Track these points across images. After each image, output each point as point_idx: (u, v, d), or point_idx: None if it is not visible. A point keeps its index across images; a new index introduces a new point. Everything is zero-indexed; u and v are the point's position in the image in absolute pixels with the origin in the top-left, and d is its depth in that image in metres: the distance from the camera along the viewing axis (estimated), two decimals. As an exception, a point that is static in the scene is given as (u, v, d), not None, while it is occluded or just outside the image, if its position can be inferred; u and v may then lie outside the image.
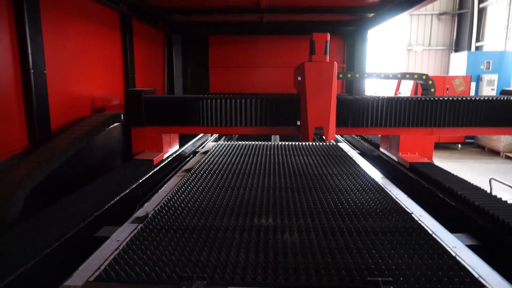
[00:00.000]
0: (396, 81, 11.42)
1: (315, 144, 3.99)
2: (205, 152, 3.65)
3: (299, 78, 2.66)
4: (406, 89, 10.97)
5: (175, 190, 2.28)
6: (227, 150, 3.63)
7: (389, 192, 2.32)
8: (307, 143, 4.00)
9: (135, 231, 1.65)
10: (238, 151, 3.61)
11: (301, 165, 3.01)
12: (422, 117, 2.92)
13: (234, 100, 2.91)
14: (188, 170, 2.90)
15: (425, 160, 3.02)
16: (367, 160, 3.42)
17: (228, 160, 3.20)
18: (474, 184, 2.23)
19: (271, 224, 1.76)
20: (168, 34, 4.91)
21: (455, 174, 2.54)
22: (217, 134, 5.28)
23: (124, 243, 1.54)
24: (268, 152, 3.55)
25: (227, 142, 4.14)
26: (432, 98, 2.86)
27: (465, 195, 2.03)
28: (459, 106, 2.84)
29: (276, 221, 1.80)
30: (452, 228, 1.81)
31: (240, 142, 4.07)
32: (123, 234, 1.63)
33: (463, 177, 2.41)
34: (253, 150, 3.64)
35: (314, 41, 2.51)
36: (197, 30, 5.18)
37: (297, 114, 2.77)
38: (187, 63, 5.31)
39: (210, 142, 4.43)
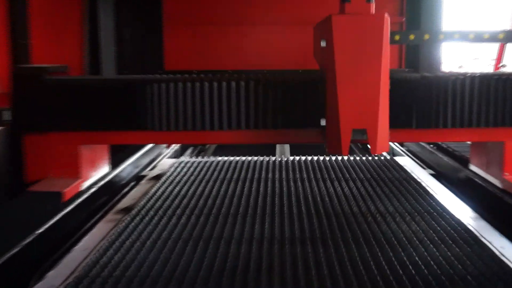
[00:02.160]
0: (497, 45, 11.56)
1: (355, 159, 4.00)
2: (158, 177, 3.66)
3: (323, 44, 2.68)
4: (514, 60, 11.10)
5: (99, 252, 2.27)
6: (197, 174, 3.64)
7: (488, 244, 2.34)
8: (339, 158, 4.00)
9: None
10: (217, 174, 3.61)
11: (330, 198, 3.01)
12: None
13: (209, 84, 2.92)
14: (126, 211, 2.90)
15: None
16: (446, 187, 3.42)
17: (199, 191, 3.20)
18: None
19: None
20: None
21: None
22: (179, 145, 5.29)
23: None
24: (270, 176, 3.55)
25: (198, 158, 4.15)
26: None
27: None
28: None
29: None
30: None
31: (220, 159, 4.09)
32: None
33: None
34: (244, 172, 3.65)
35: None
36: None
37: (320, 107, 2.78)
38: (124, 21, 5.33)
39: (166, 159, 4.44)
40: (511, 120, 2.95)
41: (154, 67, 5.46)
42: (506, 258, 2.20)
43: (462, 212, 2.82)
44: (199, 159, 4.10)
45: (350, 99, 2.56)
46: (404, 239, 2.37)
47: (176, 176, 3.57)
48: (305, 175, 3.55)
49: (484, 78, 2.91)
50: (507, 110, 2.94)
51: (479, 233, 2.48)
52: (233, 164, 3.88)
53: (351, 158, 4.03)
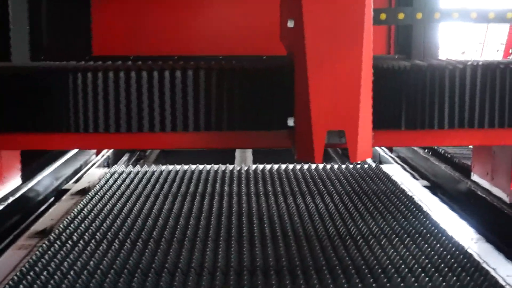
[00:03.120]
0: (506, 28, 11.80)
1: (331, 168, 4.04)
2: (84, 192, 3.64)
3: (291, 24, 2.70)
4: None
5: None
6: (134, 187, 3.63)
7: (492, 272, 2.39)
8: (312, 167, 4.03)
9: None
10: (159, 187, 3.61)
11: (301, 217, 3.04)
12: None
13: (148, 74, 2.91)
14: (43, 234, 2.88)
15: None
16: (443, 202, 3.49)
17: (136, 209, 3.19)
18: None
19: None
20: None
21: None
22: (112, 152, 5.26)
23: None
24: (227, 189, 3.56)
25: (135, 168, 4.13)
26: None
27: None
28: None
29: None
30: None
31: (164, 168, 4.08)
32: None
33: None
34: (194, 185, 3.66)
35: None
36: None
37: (288, 103, 2.81)
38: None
39: (95, 169, 4.41)
40: None
41: (80, 52, 5.41)
42: (514, 288, 2.26)
43: (462, 232, 2.88)
44: (137, 168, 4.09)
45: (325, 93, 2.58)
46: (390, 266, 2.40)
47: (108, 190, 3.55)
48: (270, 188, 3.58)
49: (489, 68, 2.97)
50: None
51: (481, 258, 2.53)
52: (180, 175, 3.89)
53: (327, 166, 4.08)
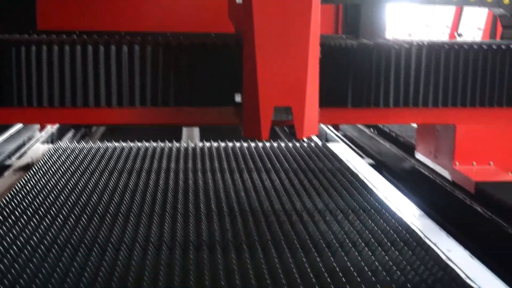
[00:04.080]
0: (452, 9, 11.96)
1: (279, 146, 4.06)
2: (27, 167, 3.59)
3: (239, 0, 2.69)
4: (472, 27, 11.53)
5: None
6: (79, 163, 3.58)
7: (433, 247, 2.44)
8: (260, 145, 4.05)
9: None
10: (105, 163, 3.58)
11: (247, 193, 3.06)
12: (502, 85, 3.08)
13: (93, 48, 2.87)
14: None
15: (509, 176, 3.19)
16: (388, 179, 3.54)
17: (81, 185, 3.16)
18: None
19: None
20: None
21: None
22: (56, 127, 5.18)
23: None
24: (174, 166, 3.55)
25: (81, 144, 4.08)
26: None
27: None
28: None
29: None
30: None
31: (110, 144, 4.04)
32: None
33: None
34: (140, 162, 3.64)
35: None
36: None
37: (235, 80, 2.81)
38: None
39: (39, 145, 4.34)
40: (464, 99, 3.06)
41: (23, 26, 5.29)
42: (453, 262, 2.30)
43: (405, 209, 2.93)
44: (82, 144, 4.04)
45: (272, 70, 2.59)
46: (334, 241, 2.43)
47: (52, 166, 3.51)
48: (217, 165, 3.58)
49: (434, 48, 3.01)
50: (459, 87, 3.06)
51: (423, 234, 2.58)
52: (126, 152, 3.85)
53: (275, 144, 4.09)
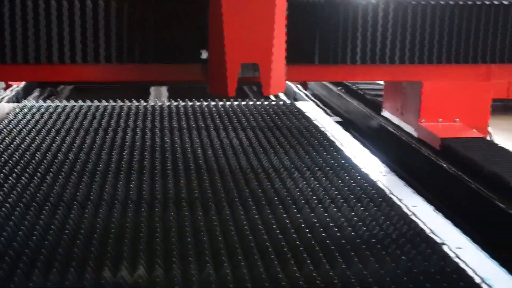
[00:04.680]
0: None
1: (247, 104, 4.04)
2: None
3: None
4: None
5: None
6: (44, 122, 3.53)
7: (398, 202, 2.46)
8: (227, 103, 4.03)
9: None
10: (71, 122, 3.53)
11: (214, 151, 3.04)
12: (469, 42, 3.09)
13: (57, 3, 2.81)
14: None
15: (474, 133, 3.22)
16: (355, 137, 3.55)
17: (47, 143, 3.13)
18: None
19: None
20: None
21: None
22: (22, 85, 5.10)
23: None
24: (141, 124, 3.52)
25: (46, 103, 4.02)
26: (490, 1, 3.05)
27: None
28: None
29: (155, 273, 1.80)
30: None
31: (77, 104, 4.00)
32: None
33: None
34: (107, 120, 3.59)
35: None
36: None
37: (201, 35, 2.77)
38: None
39: (3, 104, 4.27)
40: (430, 56, 3.07)
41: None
42: (418, 217, 2.32)
43: (371, 166, 2.95)
44: (48, 103, 3.98)
45: (238, 26, 2.56)
46: (301, 198, 2.44)
47: (17, 124, 3.45)
48: (184, 124, 3.56)
49: (401, 4, 3.01)
50: (426, 44, 3.06)
51: (389, 190, 2.60)
52: (92, 110, 3.81)
53: (243, 103, 4.07)
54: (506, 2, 3.08)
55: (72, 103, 4.00)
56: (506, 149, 3.02)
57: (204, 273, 1.83)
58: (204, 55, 2.77)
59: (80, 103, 4.00)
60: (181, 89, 5.10)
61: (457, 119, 3.29)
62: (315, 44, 2.95)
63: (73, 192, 2.47)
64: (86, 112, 3.75)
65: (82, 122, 3.53)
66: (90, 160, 2.86)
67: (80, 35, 2.82)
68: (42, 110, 3.79)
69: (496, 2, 3.08)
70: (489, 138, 3.39)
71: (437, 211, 2.45)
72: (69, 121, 3.54)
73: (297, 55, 2.91)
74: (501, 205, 2.50)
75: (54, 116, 3.65)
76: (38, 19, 2.79)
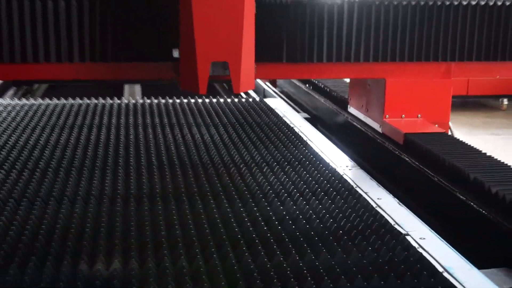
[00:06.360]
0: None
1: (218, 101, 4.04)
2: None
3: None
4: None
5: None
6: (19, 119, 3.50)
7: (364, 195, 2.50)
8: (199, 101, 4.02)
9: None
10: (46, 120, 3.50)
11: (187, 147, 3.05)
12: (430, 41, 3.13)
13: (31, 2, 2.78)
14: None
15: (435, 128, 3.26)
16: (322, 133, 3.57)
17: (22, 140, 3.10)
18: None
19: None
20: None
21: (495, 158, 2.81)
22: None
23: None
24: (115, 121, 3.50)
25: (21, 101, 3.98)
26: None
27: None
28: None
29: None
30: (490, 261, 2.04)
31: (52, 101, 3.96)
32: None
33: None
34: (81, 118, 3.56)
35: None
36: None
37: (172, 34, 2.76)
38: None
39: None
40: (393, 55, 3.10)
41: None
42: (382, 209, 2.36)
43: (338, 160, 2.97)
44: (23, 101, 3.94)
45: (209, 25, 2.56)
46: (271, 192, 2.45)
47: (-8, 121, 3.41)
48: (157, 120, 3.54)
49: (365, 4, 3.03)
50: (389, 43, 3.09)
51: (355, 183, 2.63)
52: (67, 108, 3.78)
53: (214, 100, 4.07)
54: (464, 2, 3.13)
55: (46, 100, 3.96)
56: (465, 144, 3.06)
57: (178, 266, 1.83)
58: (176, 53, 2.76)
59: (54, 100, 3.96)
60: (155, 87, 5.08)
61: (420, 115, 3.32)
62: (283, 43, 2.96)
63: (49, 188, 2.45)
64: (61, 110, 3.71)
65: (57, 120, 3.49)
66: (65, 156, 2.84)
67: (53, 34, 2.79)
68: (17, 108, 3.75)
69: (455, 2, 3.12)
70: (449, 133, 3.44)
71: (401, 203, 2.48)
72: (44, 119, 3.51)
73: (266, 53, 2.92)
74: (461, 197, 2.54)
75: (29, 114, 3.61)
76: (11, 18, 2.76)
